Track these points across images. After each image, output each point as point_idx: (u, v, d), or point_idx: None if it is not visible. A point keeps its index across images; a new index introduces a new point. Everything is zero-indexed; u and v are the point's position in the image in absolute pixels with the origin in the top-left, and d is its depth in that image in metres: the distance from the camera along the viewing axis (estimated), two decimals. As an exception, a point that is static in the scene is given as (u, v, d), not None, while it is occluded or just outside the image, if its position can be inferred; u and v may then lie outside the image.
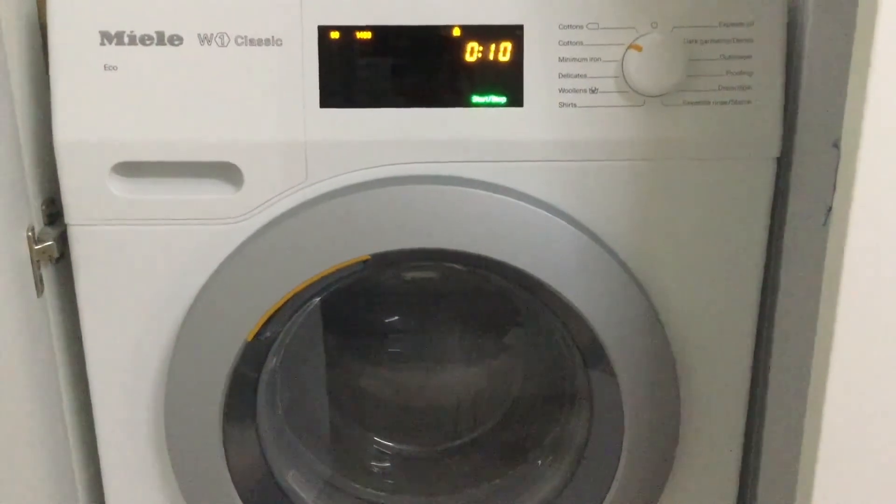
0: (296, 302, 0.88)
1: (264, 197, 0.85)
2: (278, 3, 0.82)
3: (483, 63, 0.83)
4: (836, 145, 0.58)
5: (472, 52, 0.83)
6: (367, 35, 0.83)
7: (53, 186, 0.87)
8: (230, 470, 0.91)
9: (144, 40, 0.81)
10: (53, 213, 0.89)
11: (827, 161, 0.63)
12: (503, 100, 0.84)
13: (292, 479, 0.99)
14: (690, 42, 0.83)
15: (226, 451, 0.90)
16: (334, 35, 0.82)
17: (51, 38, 0.81)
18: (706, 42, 0.83)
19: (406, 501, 1.07)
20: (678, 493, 0.97)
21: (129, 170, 0.84)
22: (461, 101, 0.84)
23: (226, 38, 0.81)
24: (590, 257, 0.85)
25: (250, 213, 0.85)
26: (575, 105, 0.84)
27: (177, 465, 0.91)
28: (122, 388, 0.91)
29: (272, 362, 0.95)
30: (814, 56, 0.82)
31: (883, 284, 0.58)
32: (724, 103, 0.84)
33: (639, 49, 0.82)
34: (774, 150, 0.86)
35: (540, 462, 1.04)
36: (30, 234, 0.85)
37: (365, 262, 0.85)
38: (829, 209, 0.60)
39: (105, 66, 0.81)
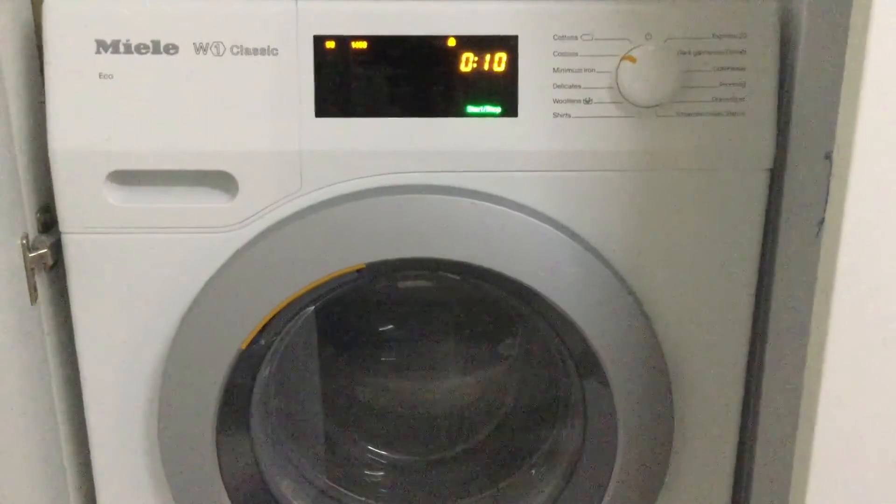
0: (290, 310, 0.88)
1: (259, 206, 0.85)
2: (274, 12, 0.82)
3: (478, 73, 0.84)
4: (829, 157, 0.59)
5: (467, 62, 0.84)
6: (362, 45, 0.83)
7: (48, 194, 0.87)
8: (224, 479, 0.91)
9: (140, 49, 0.81)
10: (48, 220, 0.89)
11: (819, 173, 0.63)
12: (498, 110, 0.84)
13: (286, 488, 0.99)
14: (684, 54, 0.83)
15: (219, 459, 0.90)
16: (330, 45, 0.83)
17: (46, 46, 0.81)
18: (700, 54, 0.83)
19: (400, 511, 1.07)
20: (672, 501, 0.97)
21: (124, 178, 0.84)
22: (456, 111, 0.84)
23: (221, 47, 0.82)
24: (584, 267, 0.85)
25: (245, 221, 0.85)
26: (569, 115, 0.84)
27: (170, 473, 0.90)
28: (115, 396, 0.91)
29: (266, 371, 0.94)
30: (807, 68, 0.83)
31: (875, 295, 0.59)
32: (717, 114, 0.84)
33: (633, 60, 0.82)
34: (767, 162, 0.86)
35: (534, 471, 1.04)
36: (24, 241, 0.85)
37: (359, 271, 0.85)
38: (822, 220, 0.60)
39: (101, 75, 0.81)
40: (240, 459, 0.93)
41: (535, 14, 0.83)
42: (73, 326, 0.88)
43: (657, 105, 0.83)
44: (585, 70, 0.83)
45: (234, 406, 0.90)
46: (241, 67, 0.82)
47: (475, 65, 0.84)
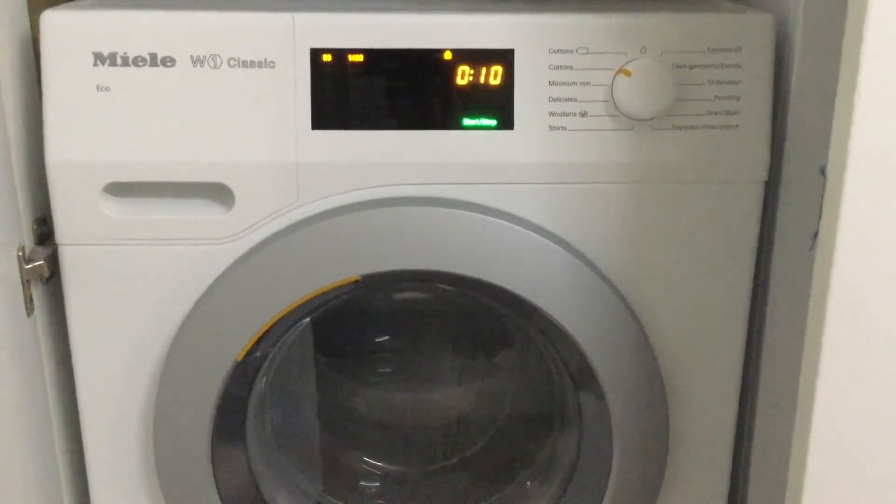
0: (286, 322, 0.88)
1: (256, 217, 0.85)
2: (271, 25, 0.82)
3: (474, 86, 0.84)
4: (823, 172, 0.59)
5: (464, 75, 0.84)
6: (359, 58, 0.83)
7: (44, 206, 0.87)
8: (219, 490, 0.91)
9: (137, 61, 0.81)
10: (44, 232, 0.89)
11: (814, 186, 0.63)
12: (494, 122, 0.84)
13: (281, 499, 0.99)
14: (679, 67, 0.83)
15: (215, 470, 0.90)
16: (327, 57, 0.83)
17: (44, 59, 0.82)
18: (695, 67, 0.84)
19: (395, 522, 1.07)
20: (667, 513, 0.97)
21: (121, 190, 0.85)
22: (452, 123, 0.84)
23: (218, 59, 0.82)
24: (579, 279, 0.86)
25: (241, 233, 0.85)
26: (565, 128, 0.84)
27: (166, 485, 0.90)
28: (111, 408, 0.91)
29: (262, 382, 0.94)
30: (801, 82, 0.83)
31: (868, 309, 0.59)
32: (712, 128, 0.85)
33: (628, 74, 0.83)
34: (762, 175, 0.87)
35: (529, 482, 1.04)
36: (20, 253, 0.85)
37: (355, 282, 0.85)
38: (816, 234, 0.60)
39: (98, 87, 0.82)
40: (235, 470, 0.93)
41: (531, 27, 0.83)
42: (69, 338, 0.88)
43: (652, 118, 0.84)
44: (581, 83, 0.84)
45: (229, 417, 0.90)
46: (238, 80, 0.82)
47: (471, 78, 0.84)
